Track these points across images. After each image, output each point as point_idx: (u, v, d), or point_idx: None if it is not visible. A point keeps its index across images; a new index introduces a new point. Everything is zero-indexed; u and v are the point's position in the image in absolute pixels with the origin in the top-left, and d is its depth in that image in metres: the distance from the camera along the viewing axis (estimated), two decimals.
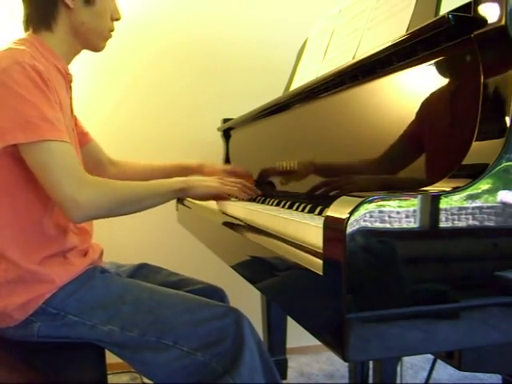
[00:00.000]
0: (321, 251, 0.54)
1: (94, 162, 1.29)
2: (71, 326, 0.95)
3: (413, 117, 0.73)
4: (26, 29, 1.03)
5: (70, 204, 0.88)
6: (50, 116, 0.88)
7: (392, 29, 0.93)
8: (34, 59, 0.91)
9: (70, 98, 1.09)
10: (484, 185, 0.53)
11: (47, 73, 0.92)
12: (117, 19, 1.08)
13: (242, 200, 1.19)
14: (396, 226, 0.49)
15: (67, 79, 1.05)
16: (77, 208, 0.88)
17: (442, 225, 0.52)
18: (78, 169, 0.92)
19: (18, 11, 1.05)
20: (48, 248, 0.96)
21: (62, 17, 1.00)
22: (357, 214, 0.48)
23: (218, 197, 1.14)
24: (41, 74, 0.89)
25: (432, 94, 0.71)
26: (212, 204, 1.30)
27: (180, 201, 1.69)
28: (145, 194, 1.00)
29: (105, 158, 1.35)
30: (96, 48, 1.08)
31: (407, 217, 0.50)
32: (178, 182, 1.04)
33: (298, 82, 1.36)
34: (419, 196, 0.51)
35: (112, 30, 1.08)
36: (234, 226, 0.97)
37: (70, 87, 1.08)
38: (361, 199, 0.49)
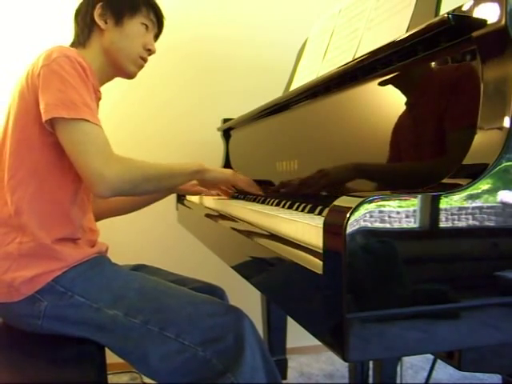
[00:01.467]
0: (321, 251, 0.54)
1: None
2: (77, 308, 0.97)
3: (412, 117, 0.73)
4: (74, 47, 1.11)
5: (97, 178, 0.93)
6: (89, 104, 0.96)
7: (392, 29, 0.93)
8: (80, 57, 0.99)
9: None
10: (484, 185, 0.53)
11: (90, 73, 1.00)
12: (150, 50, 1.16)
13: (248, 200, 1.19)
14: (396, 226, 0.49)
15: (97, 96, 1.10)
16: (103, 182, 0.93)
17: (442, 225, 0.52)
18: (108, 148, 0.97)
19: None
20: (65, 229, 1.00)
21: (96, 36, 1.11)
22: (357, 214, 0.48)
23: (224, 191, 1.32)
24: (85, 70, 0.98)
25: (432, 94, 0.71)
26: (212, 204, 1.30)
27: (180, 201, 1.69)
28: (165, 172, 1.06)
29: None
30: (126, 71, 1.15)
31: (407, 217, 0.50)
32: (194, 164, 1.12)
33: (298, 82, 1.36)
34: (419, 196, 0.51)
35: (144, 60, 1.16)
36: (234, 225, 0.97)
37: (98, 105, 1.13)
38: (361, 199, 0.49)
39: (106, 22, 1.10)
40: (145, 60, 1.17)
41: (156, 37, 1.21)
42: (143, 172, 1.01)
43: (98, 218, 1.26)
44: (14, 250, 0.96)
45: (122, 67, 1.14)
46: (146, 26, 1.15)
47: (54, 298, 0.97)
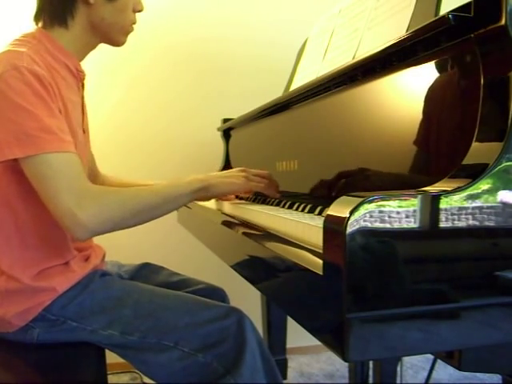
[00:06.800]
0: (321, 251, 0.54)
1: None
2: (71, 331, 0.95)
3: (413, 117, 0.73)
4: (37, 22, 0.98)
5: (70, 221, 0.80)
6: (50, 125, 0.82)
7: (392, 29, 0.93)
8: (33, 62, 0.85)
9: (82, 97, 1.05)
10: (484, 185, 0.53)
11: (50, 76, 0.87)
12: (139, 11, 1.02)
13: (248, 200, 1.18)
14: (396, 226, 0.49)
15: (79, 77, 1.01)
16: (78, 225, 0.80)
17: (442, 225, 0.52)
18: (80, 180, 0.84)
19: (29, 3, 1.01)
20: (51, 261, 0.94)
21: (81, 13, 0.95)
22: (357, 214, 0.48)
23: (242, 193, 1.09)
24: (41, 79, 0.83)
25: (432, 95, 0.71)
26: (212, 204, 1.30)
27: None
28: (157, 200, 0.90)
29: (96, 170, 1.29)
30: (116, 43, 1.03)
31: (407, 217, 0.50)
32: (195, 181, 0.94)
33: (298, 82, 1.36)
34: (419, 196, 0.51)
35: (134, 23, 1.02)
36: (234, 225, 0.97)
37: (83, 85, 1.04)
38: (361, 199, 0.49)
39: None
40: (135, 23, 1.02)
41: None
42: (127, 207, 0.86)
43: None
44: (1, 287, 0.91)
45: (112, 40, 1.02)
46: None
47: (46, 325, 0.94)
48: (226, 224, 1.03)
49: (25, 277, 0.91)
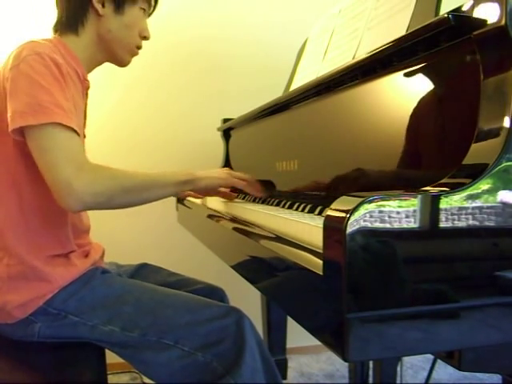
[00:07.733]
0: (321, 251, 0.54)
1: None
2: (72, 327, 0.95)
3: (413, 117, 0.73)
4: (54, 32, 1.05)
5: (64, 189, 0.83)
6: (62, 104, 0.86)
7: (392, 29, 0.93)
8: (54, 53, 0.91)
9: (85, 105, 1.08)
10: (484, 185, 0.53)
11: (66, 69, 0.92)
12: (145, 37, 1.09)
13: (248, 200, 1.18)
14: (396, 226, 0.49)
15: (84, 85, 1.05)
16: (72, 193, 0.83)
17: (442, 225, 0.52)
18: (80, 155, 0.87)
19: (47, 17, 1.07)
20: (53, 247, 0.96)
21: (91, 22, 1.02)
22: (357, 214, 0.48)
23: (225, 194, 1.18)
24: (59, 66, 0.89)
25: (432, 94, 0.71)
26: (212, 204, 1.30)
27: (180, 200, 1.69)
28: (148, 183, 0.95)
29: None
30: (120, 61, 1.09)
31: (407, 217, 0.50)
32: (181, 174, 1.00)
33: (298, 82, 1.36)
34: (419, 196, 0.51)
35: (139, 48, 1.09)
36: (234, 225, 0.97)
37: (87, 94, 1.08)
38: (361, 199, 0.49)
39: (103, 6, 1.00)
40: (140, 48, 1.09)
41: (148, 15, 1.11)
42: (119, 183, 0.90)
43: None
44: (2, 272, 0.92)
45: (116, 57, 1.08)
46: (144, 9, 1.06)
47: (48, 320, 0.94)
48: (226, 224, 1.03)
49: (31, 258, 0.92)
